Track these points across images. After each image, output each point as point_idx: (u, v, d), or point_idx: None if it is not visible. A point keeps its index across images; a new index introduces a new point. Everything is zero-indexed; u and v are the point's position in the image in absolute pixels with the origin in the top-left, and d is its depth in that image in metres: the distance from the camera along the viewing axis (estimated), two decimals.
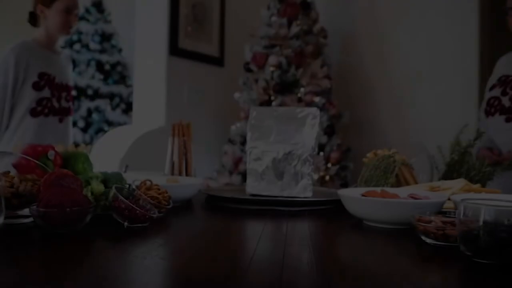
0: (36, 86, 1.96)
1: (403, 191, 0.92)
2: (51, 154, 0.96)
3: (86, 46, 4.48)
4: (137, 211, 0.76)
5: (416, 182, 1.17)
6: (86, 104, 4.30)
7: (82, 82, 4.34)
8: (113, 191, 0.77)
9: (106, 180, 0.88)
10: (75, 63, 4.36)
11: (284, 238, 0.70)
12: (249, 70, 2.68)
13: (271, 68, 2.55)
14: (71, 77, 2.22)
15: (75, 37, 4.45)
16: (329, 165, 2.54)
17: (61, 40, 4.30)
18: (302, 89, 2.55)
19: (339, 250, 0.65)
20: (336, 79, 2.84)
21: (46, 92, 1.99)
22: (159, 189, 0.91)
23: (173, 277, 0.50)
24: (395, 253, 0.62)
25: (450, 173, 1.19)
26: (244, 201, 1.08)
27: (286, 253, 0.60)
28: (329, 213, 1.00)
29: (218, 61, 3.17)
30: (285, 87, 2.55)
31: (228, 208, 1.04)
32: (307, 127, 1.21)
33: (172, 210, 0.97)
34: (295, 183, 1.17)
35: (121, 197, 0.75)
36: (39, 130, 1.98)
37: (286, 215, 0.95)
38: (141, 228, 0.76)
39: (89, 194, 0.83)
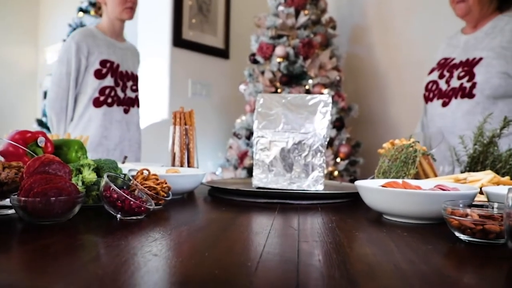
0: (98, 74, 1.87)
1: (426, 183, 0.83)
2: (41, 140, 0.88)
3: None
4: (131, 202, 0.67)
5: (435, 175, 1.08)
6: None
7: None
8: (104, 179, 0.69)
9: (99, 168, 0.80)
10: None
11: (297, 234, 0.62)
12: (255, 61, 2.60)
13: (278, 59, 2.46)
14: (137, 69, 2.12)
15: None
16: (338, 159, 2.44)
17: (62, 32, 4.25)
18: (310, 81, 2.46)
19: (361, 247, 0.56)
20: (345, 71, 2.74)
21: (109, 81, 1.89)
22: (157, 179, 0.83)
23: (167, 277, 0.42)
24: (426, 252, 0.53)
25: (474, 165, 1.10)
26: (250, 194, 1.00)
27: (301, 250, 0.52)
28: (343, 207, 0.92)
29: (223, 53, 3.08)
30: (292, 79, 2.46)
31: (233, 202, 0.95)
32: (318, 115, 1.12)
33: (172, 203, 0.89)
34: (305, 176, 1.08)
35: (113, 186, 0.67)
36: (102, 121, 1.89)
37: (296, 209, 0.87)
38: (136, 221, 0.68)
39: (79, 183, 0.76)
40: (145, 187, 0.79)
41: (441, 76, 1.63)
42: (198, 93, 2.94)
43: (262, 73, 2.54)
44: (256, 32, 2.64)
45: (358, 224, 0.71)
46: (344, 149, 2.44)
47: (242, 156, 2.54)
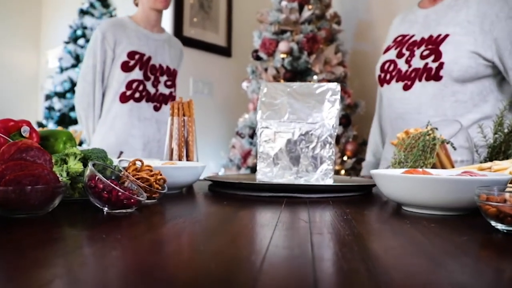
0: (125, 67, 1.70)
1: (449, 173, 0.75)
2: (25, 130, 0.81)
3: None
4: (119, 193, 0.59)
5: (453, 166, 1.00)
6: None
7: None
8: (89, 167, 0.61)
9: (86, 158, 0.72)
10: (79, 58, 4.24)
11: (308, 226, 0.54)
12: (258, 58, 2.52)
13: (282, 55, 2.38)
14: (179, 63, 1.95)
15: (79, 32, 4.33)
16: (345, 158, 2.36)
17: (64, 35, 4.20)
18: (315, 77, 2.38)
19: (385, 238, 0.48)
20: (350, 67, 2.66)
21: (137, 74, 1.72)
22: (151, 171, 0.76)
23: (148, 274, 0.34)
24: (463, 243, 0.45)
25: (495, 155, 1.01)
26: (253, 188, 0.92)
27: (315, 243, 0.44)
28: (357, 201, 0.83)
29: (225, 50, 3.01)
30: (296, 75, 2.39)
31: (235, 196, 0.87)
32: (327, 104, 1.05)
33: (168, 198, 0.81)
34: (313, 169, 1.01)
35: (98, 175, 0.59)
36: (129, 118, 1.72)
37: (305, 203, 0.78)
38: (125, 215, 0.60)
39: (64, 174, 0.68)
40: (137, 179, 0.72)
41: (399, 55, 1.41)
42: (199, 91, 2.87)
43: (266, 70, 2.46)
44: (258, 28, 2.56)
45: (377, 216, 0.63)
46: (350, 147, 2.36)
47: (246, 155, 2.46)
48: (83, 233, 0.49)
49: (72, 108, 4.13)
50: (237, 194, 0.90)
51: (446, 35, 1.30)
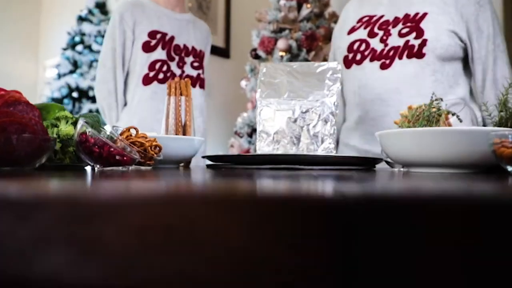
0: (146, 47, 1.58)
1: None
2: None
3: (89, 47, 4.34)
4: (111, 149, 0.56)
5: None
6: (87, 106, 4.13)
7: (84, 83, 4.20)
8: (80, 122, 0.57)
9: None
10: (77, 65, 4.23)
11: (313, 177, 0.50)
12: (256, 56, 2.51)
13: (281, 53, 2.37)
14: (207, 45, 1.83)
15: (77, 39, 4.33)
16: None
17: (62, 43, 4.19)
18: None
19: (400, 178, 0.45)
20: None
21: (159, 53, 1.60)
22: (146, 138, 0.72)
23: (140, 201, 0.31)
24: (482, 179, 0.41)
25: None
26: (253, 161, 0.88)
27: (319, 177, 0.40)
28: (362, 171, 0.80)
29: (223, 52, 3.00)
30: None
31: (234, 169, 0.84)
32: (327, 82, 1.02)
33: (163, 170, 0.78)
34: (314, 147, 0.98)
35: (90, 129, 0.56)
36: (153, 101, 1.58)
37: (309, 174, 0.75)
38: (118, 172, 0.57)
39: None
40: (131, 143, 0.68)
41: (372, 35, 1.34)
42: None
43: None
44: (257, 27, 2.56)
45: (387, 176, 0.60)
46: None
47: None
48: (71, 177, 0.46)
49: None
50: (236, 167, 0.86)
51: (425, 14, 1.26)
